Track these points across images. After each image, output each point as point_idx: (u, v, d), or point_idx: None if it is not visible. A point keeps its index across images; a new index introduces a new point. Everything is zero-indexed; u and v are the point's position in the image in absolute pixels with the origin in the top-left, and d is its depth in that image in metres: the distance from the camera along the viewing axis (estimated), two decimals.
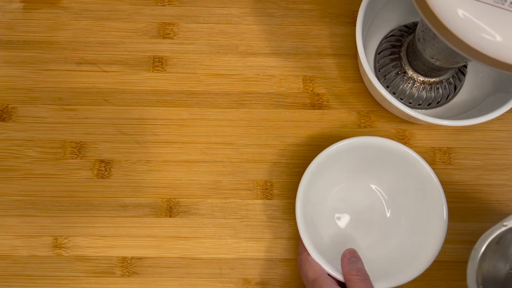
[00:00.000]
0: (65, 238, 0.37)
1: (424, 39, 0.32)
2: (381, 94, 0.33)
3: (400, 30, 0.38)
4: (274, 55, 0.39)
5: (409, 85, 0.37)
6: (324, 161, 0.34)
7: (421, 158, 0.33)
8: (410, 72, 0.37)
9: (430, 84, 0.37)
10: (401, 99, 0.38)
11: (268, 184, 0.38)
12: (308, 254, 0.31)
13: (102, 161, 0.38)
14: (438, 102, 0.38)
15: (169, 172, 0.38)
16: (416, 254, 0.33)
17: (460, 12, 0.24)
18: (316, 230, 0.35)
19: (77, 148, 0.38)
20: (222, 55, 0.39)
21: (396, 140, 0.34)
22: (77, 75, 0.39)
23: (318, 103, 0.39)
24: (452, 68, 0.36)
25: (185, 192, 0.37)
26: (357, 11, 0.34)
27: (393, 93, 0.38)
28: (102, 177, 0.37)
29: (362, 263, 0.32)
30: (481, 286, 0.25)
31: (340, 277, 0.32)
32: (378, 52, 0.39)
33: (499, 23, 0.23)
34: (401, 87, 0.37)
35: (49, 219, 0.37)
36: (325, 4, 0.40)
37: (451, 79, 0.37)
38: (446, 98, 0.38)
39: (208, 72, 0.39)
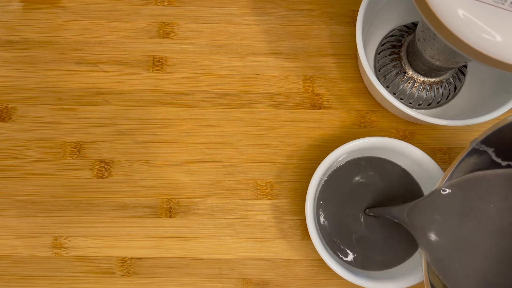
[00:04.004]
0: (65, 238, 0.37)
1: (424, 39, 0.32)
2: (381, 94, 0.33)
3: (400, 30, 0.38)
4: (274, 55, 0.39)
5: (409, 85, 0.37)
6: (334, 160, 0.34)
7: (431, 159, 0.34)
8: (410, 72, 0.37)
9: (430, 84, 0.37)
10: (401, 99, 0.38)
11: (268, 184, 0.38)
12: None
13: (102, 161, 0.38)
14: (438, 102, 0.38)
15: (169, 172, 0.38)
16: None
17: (460, 12, 0.23)
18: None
19: (77, 148, 0.38)
20: (222, 55, 0.39)
21: None
22: (77, 75, 0.39)
23: (318, 103, 0.39)
24: (452, 68, 0.36)
25: (185, 192, 0.37)
26: (357, 11, 0.34)
27: (393, 93, 0.38)
28: (102, 177, 0.37)
29: None
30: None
31: (350, 279, 0.32)
32: (378, 52, 0.39)
33: (499, 23, 0.23)
34: (401, 87, 0.37)
35: (49, 219, 0.37)
36: (325, 4, 0.40)
37: (451, 79, 0.37)
38: (446, 98, 0.38)
39: (208, 72, 0.39)
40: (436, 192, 0.27)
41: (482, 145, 0.26)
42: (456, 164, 0.26)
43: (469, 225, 0.27)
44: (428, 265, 0.26)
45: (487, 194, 0.27)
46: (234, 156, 0.38)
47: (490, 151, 0.26)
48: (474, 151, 0.26)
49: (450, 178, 0.27)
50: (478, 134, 0.36)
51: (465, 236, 0.27)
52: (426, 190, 0.35)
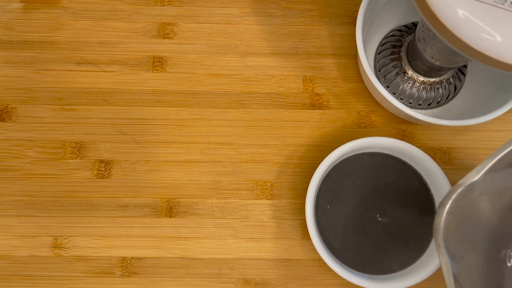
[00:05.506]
0: (65, 238, 0.37)
1: (424, 39, 0.32)
2: (381, 94, 0.33)
3: (400, 30, 0.38)
4: (274, 55, 0.39)
5: (409, 85, 0.37)
6: (335, 160, 0.34)
7: (431, 159, 0.34)
8: (410, 72, 0.37)
9: (430, 84, 0.37)
10: (401, 99, 0.38)
11: (268, 184, 0.38)
12: None
13: (102, 161, 0.38)
14: (438, 102, 0.38)
15: (169, 172, 0.38)
16: (430, 254, 0.33)
17: (460, 12, 0.23)
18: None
19: (77, 148, 0.38)
20: (222, 55, 0.39)
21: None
22: (76, 75, 0.39)
23: (318, 103, 0.39)
24: (452, 68, 0.36)
25: (185, 192, 0.37)
26: (357, 11, 0.34)
27: (393, 93, 0.38)
28: (102, 177, 0.37)
29: None
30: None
31: (350, 279, 0.32)
32: (378, 52, 0.39)
33: (499, 23, 0.23)
34: (401, 87, 0.37)
35: (49, 219, 0.37)
36: (325, 4, 0.40)
37: (451, 79, 0.37)
38: (446, 98, 0.38)
39: (208, 72, 0.39)
40: (469, 188, 0.25)
41: None
42: (500, 156, 0.25)
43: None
44: (455, 279, 0.24)
45: None
46: (234, 156, 0.38)
47: None
48: None
49: (490, 171, 0.25)
50: (478, 134, 0.36)
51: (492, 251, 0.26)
52: (429, 184, 0.35)
